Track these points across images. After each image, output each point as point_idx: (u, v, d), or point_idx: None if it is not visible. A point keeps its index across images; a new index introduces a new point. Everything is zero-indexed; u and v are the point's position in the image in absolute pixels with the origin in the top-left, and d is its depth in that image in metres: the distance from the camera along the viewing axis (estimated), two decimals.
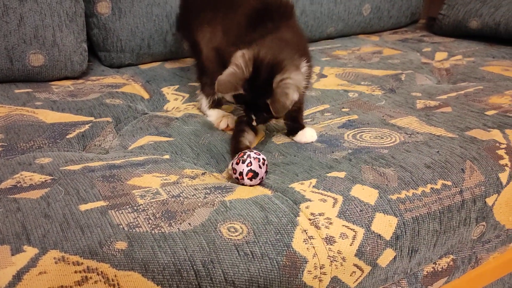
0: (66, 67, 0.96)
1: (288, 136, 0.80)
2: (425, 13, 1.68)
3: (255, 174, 0.64)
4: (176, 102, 0.96)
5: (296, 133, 0.78)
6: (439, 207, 0.64)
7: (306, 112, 0.91)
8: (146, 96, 0.97)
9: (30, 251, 0.47)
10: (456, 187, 0.67)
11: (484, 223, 0.70)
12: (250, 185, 0.65)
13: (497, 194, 0.70)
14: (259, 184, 0.66)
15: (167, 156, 0.71)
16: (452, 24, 1.44)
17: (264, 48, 0.68)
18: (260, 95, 0.67)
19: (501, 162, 0.72)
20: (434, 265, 0.69)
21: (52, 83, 0.96)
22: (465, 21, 1.41)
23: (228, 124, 0.82)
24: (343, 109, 0.89)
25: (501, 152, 0.73)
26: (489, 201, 0.69)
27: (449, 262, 0.71)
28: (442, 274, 0.70)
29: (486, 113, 0.86)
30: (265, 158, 0.66)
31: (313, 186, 0.64)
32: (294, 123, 0.79)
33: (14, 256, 0.46)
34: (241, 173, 0.64)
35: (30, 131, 0.74)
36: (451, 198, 0.66)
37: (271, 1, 0.78)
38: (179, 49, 1.15)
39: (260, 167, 0.64)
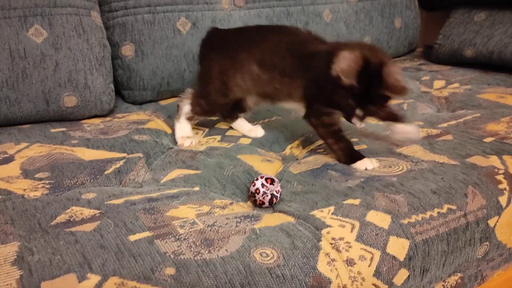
0: (96, 106, 1.05)
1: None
2: (422, 42, 1.78)
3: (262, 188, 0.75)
4: (197, 136, 1.03)
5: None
6: (446, 230, 0.71)
7: (318, 143, 0.99)
8: (169, 131, 1.05)
9: (94, 278, 0.54)
10: (460, 210, 0.74)
11: (487, 243, 0.77)
12: (261, 201, 0.75)
13: (498, 216, 0.77)
14: (273, 199, 0.75)
15: (197, 188, 0.78)
16: (448, 53, 1.54)
17: (363, 50, 0.77)
18: (371, 86, 0.75)
19: (500, 186, 0.79)
20: (443, 283, 0.76)
21: (83, 121, 1.05)
22: (460, 50, 1.50)
23: (192, 142, 0.94)
24: (352, 139, 0.97)
25: (499, 177, 0.81)
26: (491, 222, 0.76)
27: (457, 280, 0.77)
28: None
29: (484, 140, 0.94)
30: (274, 178, 0.76)
31: (332, 213, 0.71)
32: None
33: (81, 283, 0.53)
34: (252, 193, 0.75)
35: (72, 168, 0.81)
36: (456, 221, 0.73)
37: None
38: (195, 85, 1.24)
39: (263, 184, 0.75)
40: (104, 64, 1.07)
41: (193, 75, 1.22)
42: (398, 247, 0.67)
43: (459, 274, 0.78)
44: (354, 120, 0.80)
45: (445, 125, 1.04)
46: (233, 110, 1.02)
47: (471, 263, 0.77)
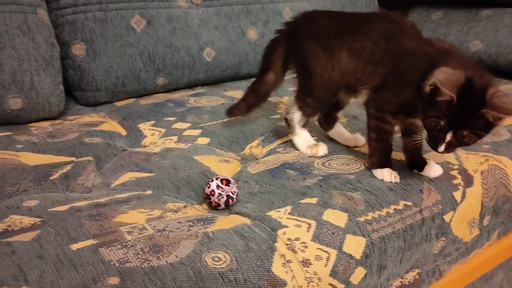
0: (44, 109, 0.99)
1: (412, 169, 0.81)
2: None
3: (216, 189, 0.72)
4: (153, 137, 1.00)
5: (423, 168, 0.80)
6: (402, 226, 0.71)
7: (277, 142, 0.97)
8: (123, 132, 1.01)
9: None
10: (416, 206, 0.74)
11: (444, 238, 0.77)
12: (217, 203, 0.72)
13: (453, 211, 0.77)
14: (229, 200, 0.72)
15: (149, 192, 0.75)
16: None
17: (467, 69, 0.67)
18: (470, 106, 0.64)
19: (455, 181, 0.80)
20: (401, 280, 0.76)
21: (31, 125, 0.99)
22: None
23: (325, 152, 0.87)
24: (313, 136, 0.96)
25: (454, 172, 0.81)
26: (447, 217, 0.76)
27: (415, 276, 0.77)
28: (409, 287, 0.77)
29: None
30: (230, 179, 0.74)
31: (289, 213, 0.69)
32: (416, 156, 0.81)
33: None
34: (207, 195, 0.72)
35: (14, 174, 0.76)
36: (412, 217, 0.73)
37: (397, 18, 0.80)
38: (152, 86, 1.20)
39: (219, 186, 0.72)
40: (52, 64, 1.01)
41: (149, 74, 1.18)
42: (355, 245, 0.66)
43: (417, 270, 0.78)
44: (441, 148, 0.68)
45: None
46: (331, 110, 0.93)
47: (428, 259, 0.77)
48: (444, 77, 0.64)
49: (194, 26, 1.22)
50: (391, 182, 0.77)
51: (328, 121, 0.94)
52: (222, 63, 1.29)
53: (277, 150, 0.93)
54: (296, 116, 0.89)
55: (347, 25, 0.83)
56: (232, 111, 1.01)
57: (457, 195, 0.78)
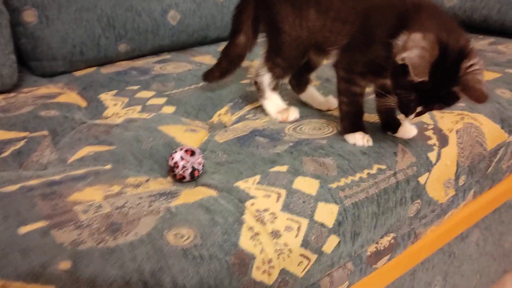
0: None
1: (386, 131, 0.77)
2: None
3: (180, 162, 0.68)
4: (115, 107, 0.94)
5: (397, 129, 0.76)
6: (376, 191, 0.68)
7: (247, 108, 0.93)
8: (83, 104, 0.95)
9: None
10: (390, 170, 0.71)
11: (419, 201, 0.75)
12: (181, 175, 0.68)
13: (428, 173, 0.75)
14: (195, 172, 0.68)
15: (108, 166, 0.70)
16: None
17: (442, 30, 0.62)
18: (443, 83, 0.61)
19: (430, 142, 0.77)
20: (376, 245, 0.74)
21: None
22: None
23: (295, 116, 0.82)
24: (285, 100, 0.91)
25: (428, 132, 0.79)
26: (422, 179, 0.74)
27: (390, 240, 0.75)
28: (385, 252, 0.75)
29: None
30: (194, 149, 0.70)
31: (257, 183, 0.65)
32: (390, 117, 0.77)
33: None
34: (171, 167, 0.69)
35: None
36: (386, 181, 0.70)
37: None
38: (113, 53, 1.13)
39: (182, 157, 0.68)
40: (1, 32, 0.93)
41: (109, 41, 1.11)
42: (327, 213, 0.63)
43: (392, 235, 0.76)
44: (411, 116, 0.66)
45: None
46: (302, 72, 0.87)
47: (403, 223, 0.75)
48: (417, 56, 0.60)
49: None
50: (364, 146, 0.73)
51: (299, 84, 0.90)
52: (188, 27, 1.22)
53: (246, 116, 0.89)
54: (266, 78, 0.84)
55: None
56: (207, 76, 0.96)
57: (432, 156, 0.76)
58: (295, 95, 0.92)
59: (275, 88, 0.85)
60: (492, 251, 1.11)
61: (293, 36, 0.79)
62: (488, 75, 1.00)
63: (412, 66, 0.59)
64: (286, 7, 0.78)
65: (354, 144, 0.74)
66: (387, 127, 0.78)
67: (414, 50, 0.60)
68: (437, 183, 0.76)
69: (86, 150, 0.75)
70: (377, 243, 0.74)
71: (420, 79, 0.60)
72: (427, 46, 0.60)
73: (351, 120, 0.76)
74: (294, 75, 0.88)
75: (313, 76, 0.91)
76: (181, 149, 0.70)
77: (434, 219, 0.82)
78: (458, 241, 0.97)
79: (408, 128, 0.77)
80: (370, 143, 0.74)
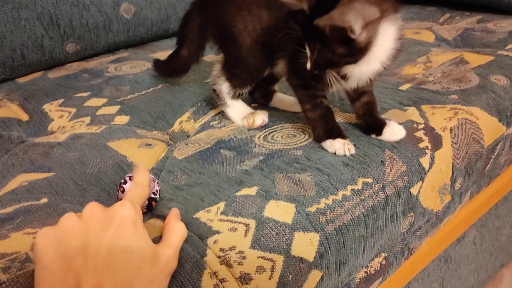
0: None
1: (369, 134, 0.67)
2: None
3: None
4: (61, 120, 0.82)
5: (381, 131, 0.66)
6: (363, 210, 0.58)
7: (212, 113, 0.81)
8: (24, 117, 0.82)
9: None
10: (377, 183, 0.61)
11: (412, 214, 0.65)
12: None
13: (421, 182, 0.65)
14: (152, 203, 0.57)
15: (44, 200, 0.59)
16: None
17: None
18: (319, 16, 0.53)
19: (421, 145, 0.67)
20: (366, 269, 0.64)
21: None
22: None
23: (263, 119, 0.73)
24: (252, 105, 0.80)
25: (419, 133, 0.68)
26: (414, 190, 0.64)
27: (382, 261, 0.66)
28: (376, 276, 0.65)
29: (400, 88, 0.81)
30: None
31: (221, 213, 0.55)
32: (371, 118, 0.67)
33: None
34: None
35: None
36: (373, 197, 0.60)
37: None
38: (61, 55, 1.00)
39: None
40: None
41: (54, 41, 0.98)
42: (306, 244, 0.53)
43: (383, 255, 0.66)
44: (308, 65, 0.58)
45: None
46: (266, 84, 0.79)
47: (395, 240, 0.66)
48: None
49: None
50: (345, 156, 0.63)
51: (264, 96, 0.80)
52: (146, 20, 1.09)
53: (211, 123, 0.78)
54: (225, 87, 0.74)
55: None
56: (157, 66, 0.90)
57: (425, 161, 0.66)
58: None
59: (235, 97, 0.75)
60: (489, 247, 1.03)
61: (248, 44, 0.68)
62: (480, 59, 0.90)
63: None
64: (234, 14, 0.68)
65: (334, 153, 0.64)
66: (370, 129, 0.68)
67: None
68: (431, 191, 0.67)
69: (20, 180, 0.63)
70: (367, 267, 0.64)
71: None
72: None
73: (322, 125, 0.66)
74: (256, 88, 0.78)
75: (277, 87, 0.80)
76: (131, 178, 0.58)
77: (429, 229, 0.73)
78: (454, 244, 0.88)
79: (395, 129, 0.67)
80: (353, 151, 0.64)
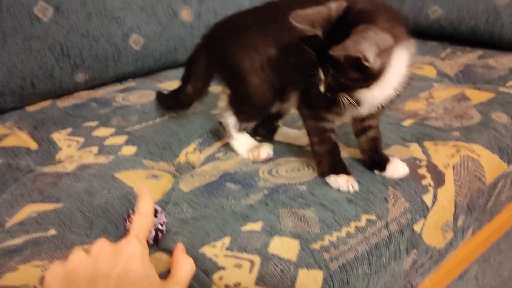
0: None
1: (372, 170, 0.68)
2: None
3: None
4: (69, 149, 0.83)
5: (385, 167, 0.67)
6: (366, 247, 0.59)
7: (217, 144, 0.83)
8: (33, 146, 0.84)
9: None
10: (381, 220, 0.62)
11: (415, 251, 0.66)
12: None
13: (424, 219, 0.65)
14: (158, 234, 0.58)
15: (52, 232, 0.60)
16: None
17: (367, 4, 0.57)
18: (333, 43, 0.53)
19: (424, 182, 0.68)
20: None
21: None
22: None
23: (268, 153, 0.74)
24: (257, 137, 0.82)
25: (422, 170, 0.69)
26: (417, 227, 0.65)
27: None
28: None
29: (403, 123, 0.82)
30: (156, 208, 0.59)
31: (226, 248, 0.55)
32: (376, 154, 0.69)
33: None
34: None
35: None
36: (377, 234, 0.60)
37: None
38: (70, 84, 1.02)
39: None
40: None
41: (65, 71, 1.00)
42: (310, 282, 0.54)
43: None
44: (322, 88, 0.59)
45: None
46: (271, 119, 0.80)
47: (398, 277, 0.66)
48: (304, 12, 0.57)
49: (114, 9, 1.04)
50: (349, 192, 0.64)
51: (269, 131, 0.81)
52: (154, 51, 1.12)
53: (216, 155, 0.79)
54: (231, 121, 0.75)
55: (271, 15, 0.69)
56: (160, 99, 0.92)
57: (428, 198, 0.67)
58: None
59: (241, 130, 0.76)
60: (491, 282, 1.03)
61: (256, 83, 0.70)
62: (481, 96, 0.92)
63: (294, 14, 0.57)
64: (242, 53, 0.70)
65: (338, 189, 0.65)
66: (374, 165, 0.69)
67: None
68: (434, 228, 0.67)
69: (29, 210, 0.64)
70: None
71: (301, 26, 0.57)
72: (333, 7, 0.57)
73: (328, 160, 0.67)
74: (261, 124, 0.79)
75: (281, 122, 0.82)
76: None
77: (431, 266, 0.73)
78: (456, 280, 0.88)
79: (398, 166, 0.68)
80: (356, 187, 0.65)
